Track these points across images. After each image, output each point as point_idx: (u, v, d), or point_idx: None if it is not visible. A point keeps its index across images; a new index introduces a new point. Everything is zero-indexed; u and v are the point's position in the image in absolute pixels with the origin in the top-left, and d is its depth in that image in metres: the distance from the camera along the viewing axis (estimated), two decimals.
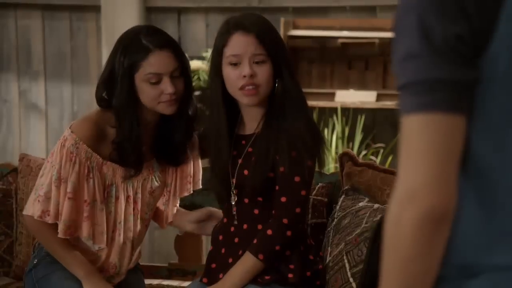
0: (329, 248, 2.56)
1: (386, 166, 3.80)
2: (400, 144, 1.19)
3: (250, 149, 2.49)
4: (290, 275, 2.44)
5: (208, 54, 5.00)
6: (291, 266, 2.46)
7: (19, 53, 5.39)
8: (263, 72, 2.41)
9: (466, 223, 1.21)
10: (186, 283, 2.89)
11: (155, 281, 3.06)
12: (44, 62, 5.37)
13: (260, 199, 2.47)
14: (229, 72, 2.43)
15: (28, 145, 5.33)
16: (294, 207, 2.42)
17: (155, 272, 3.17)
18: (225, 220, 2.56)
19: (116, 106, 2.53)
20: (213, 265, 2.54)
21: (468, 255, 1.22)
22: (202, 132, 2.67)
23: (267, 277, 2.44)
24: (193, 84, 2.71)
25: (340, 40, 4.78)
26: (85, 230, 2.54)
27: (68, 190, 2.50)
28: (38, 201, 2.55)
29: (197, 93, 5.02)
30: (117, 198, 2.61)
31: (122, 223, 2.63)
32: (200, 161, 2.75)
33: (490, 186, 1.20)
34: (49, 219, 2.52)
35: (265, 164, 2.43)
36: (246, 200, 2.49)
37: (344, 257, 2.48)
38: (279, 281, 2.45)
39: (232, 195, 2.51)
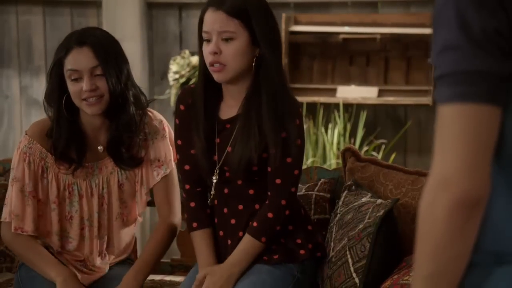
0: (332, 243, 2.56)
1: (390, 162, 3.80)
2: (436, 132, 1.22)
3: (233, 130, 2.46)
4: (302, 252, 2.48)
5: None
6: (298, 241, 2.50)
7: (20, 49, 5.38)
8: (230, 50, 2.36)
9: (498, 211, 1.24)
10: None
11: (157, 277, 3.06)
12: (45, 57, 5.36)
13: (256, 178, 2.46)
14: (204, 49, 2.41)
15: None
16: (289, 187, 2.45)
17: (158, 268, 3.17)
18: (216, 202, 2.52)
19: (44, 101, 2.58)
20: None
21: (499, 242, 1.24)
22: None
23: (275, 257, 2.46)
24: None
25: (341, 36, 4.77)
26: (33, 226, 2.57)
27: (29, 189, 2.56)
28: (5, 204, 2.62)
29: None
30: (81, 196, 2.62)
31: (89, 220, 2.64)
32: (167, 140, 2.68)
33: None
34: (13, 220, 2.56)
35: (246, 142, 2.39)
36: (240, 182, 2.47)
37: (347, 252, 2.48)
38: (288, 259, 2.48)
39: (215, 174, 2.47)
